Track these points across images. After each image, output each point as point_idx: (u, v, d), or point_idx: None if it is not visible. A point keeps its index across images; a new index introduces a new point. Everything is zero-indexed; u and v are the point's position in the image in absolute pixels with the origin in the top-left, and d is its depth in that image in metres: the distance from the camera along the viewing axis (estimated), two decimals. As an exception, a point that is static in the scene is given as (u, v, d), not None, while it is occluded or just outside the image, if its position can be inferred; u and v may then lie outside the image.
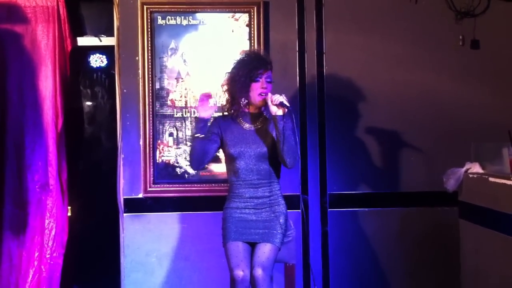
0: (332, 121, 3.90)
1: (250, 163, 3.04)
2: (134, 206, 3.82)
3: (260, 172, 3.05)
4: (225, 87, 3.13)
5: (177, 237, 3.84)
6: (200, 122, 3.01)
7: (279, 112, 2.94)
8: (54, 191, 3.86)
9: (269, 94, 2.98)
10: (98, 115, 4.27)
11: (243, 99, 3.04)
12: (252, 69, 3.01)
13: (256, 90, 3.02)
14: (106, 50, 4.16)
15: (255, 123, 3.09)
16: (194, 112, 3.86)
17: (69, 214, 3.96)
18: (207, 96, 3.03)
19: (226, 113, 3.15)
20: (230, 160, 3.08)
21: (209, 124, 3.07)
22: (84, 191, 4.19)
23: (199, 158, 3.05)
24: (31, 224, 3.86)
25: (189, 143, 3.83)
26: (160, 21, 3.84)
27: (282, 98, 2.93)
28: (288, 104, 2.92)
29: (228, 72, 3.12)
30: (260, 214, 3.05)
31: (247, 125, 3.10)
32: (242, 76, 3.01)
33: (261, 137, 3.05)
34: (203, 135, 3.01)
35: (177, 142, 3.86)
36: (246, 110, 3.10)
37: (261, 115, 3.12)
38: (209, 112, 3.01)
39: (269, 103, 2.95)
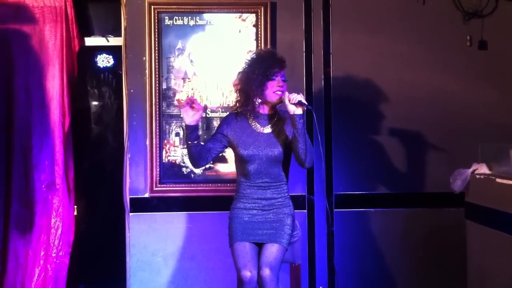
0: (338, 121, 3.89)
1: (261, 166, 3.01)
2: (140, 205, 3.83)
3: (270, 175, 3.02)
4: (238, 87, 3.07)
5: (183, 236, 3.84)
6: (187, 129, 2.93)
7: (298, 111, 2.88)
8: (61, 190, 3.87)
9: (286, 93, 2.93)
10: (105, 115, 4.28)
11: (257, 98, 3.00)
12: (268, 67, 2.96)
13: (272, 88, 2.97)
14: (113, 50, 4.17)
15: (268, 125, 3.04)
16: (200, 112, 3.86)
17: (75, 213, 3.97)
18: (191, 102, 2.91)
19: (240, 110, 3.06)
20: (241, 162, 3.05)
21: (198, 130, 2.98)
22: (90, 191, 4.20)
23: (196, 161, 3.03)
24: (37, 223, 3.87)
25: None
26: (167, 22, 3.85)
27: (300, 97, 2.88)
28: (306, 102, 2.88)
29: (240, 71, 3.06)
30: (268, 214, 3.03)
31: (260, 128, 3.04)
32: (259, 74, 2.95)
33: (274, 140, 3.01)
34: (195, 142, 2.94)
35: (183, 142, 3.86)
36: (260, 111, 3.05)
37: (274, 116, 3.07)
38: (194, 118, 2.90)
39: (287, 102, 2.90)
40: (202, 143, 3.03)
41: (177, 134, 3.86)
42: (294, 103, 2.88)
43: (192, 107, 2.91)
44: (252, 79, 2.97)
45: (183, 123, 2.95)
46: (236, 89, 3.10)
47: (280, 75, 2.99)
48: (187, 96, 2.93)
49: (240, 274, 2.89)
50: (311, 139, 2.95)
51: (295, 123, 2.89)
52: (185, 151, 3.85)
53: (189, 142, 2.95)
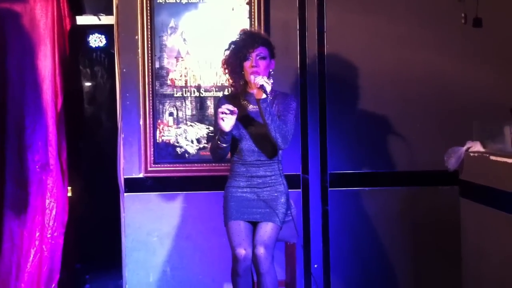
0: (333, 100, 3.88)
1: (252, 143, 3.05)
2: (135, 186, 3.82)
3: (262, 153, 3.05)
4: (222, 69, 3.14)
5: (178, 216, 3.85)
6: (225, 135, 2.94)
7: (259, 94, 2.91)
8: (55, 171, 3.85)
9: (252, 77, 2.95)
10: (98, 94, 4.26)
11: (241, 79, 3.04)
12: (241, 48, 3.00)
13: (249, 69, 3.00)
14: (105, 29, 4.13)
15: (258, 104, 3.06)
16: (194, 91, 3.84)
17: (70, 194, 3.96)
18: (233, 112, 2.90)
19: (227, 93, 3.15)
20: (233, 140, 3.07)
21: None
22: (84, 171, 4.20)
23: (224, 157, 3.11)
24: (32, 204, 3.86)
25: (189, 123, 3.83)
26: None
27: (262, 81, 2.89)
28: (268, 88, 2.88)
29: (224, 54, 3.11)
30: (262, 193, 3.06)
31: (250, 106, 3.09)
32: (232, 58, 3.01)
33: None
34: (227, 144, 3.00)
35: (177, 121, 3.84)
36: (249, 90, 3.08)
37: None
38: (233, 123, 2.91)
39: (253, 85, 2.94)
40: None
41: (171, 114, 3.84)
42: (257, 87, 2.90)
43: (233, 114, 2.90)
44: (229, 63, 3.03)
45: (218, 130, 2.96)
46: (223, 72, 3.15)
47: (255, 54, 2.99)
48: (222, 108, 2.90)
49: (234, 252, 2.91)
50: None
51: (258, 105, 2.92)
52: (179, 130, 3.84)
53: (225, 145, 2.99)
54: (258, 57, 3.00)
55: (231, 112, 2.89)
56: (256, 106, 3.04)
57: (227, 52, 3.07)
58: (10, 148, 3.84)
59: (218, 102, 3.15)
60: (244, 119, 3.06)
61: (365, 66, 3.88)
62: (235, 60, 3.01)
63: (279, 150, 3.06)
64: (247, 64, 3.00)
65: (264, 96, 2.89)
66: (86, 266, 4.27)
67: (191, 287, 3.85)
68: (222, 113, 2.88)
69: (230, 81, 3.13)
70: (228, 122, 2.90)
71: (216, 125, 3.01)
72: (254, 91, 2.95)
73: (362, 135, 3.89)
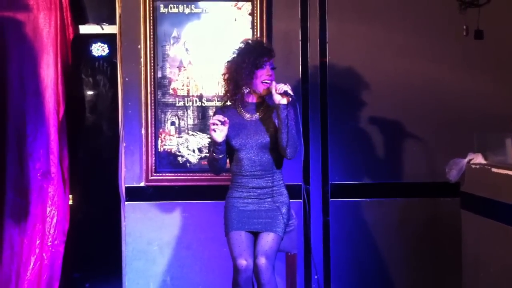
0: (334, 110, 3.89)
1: (252, 154, 3.04)
2: (136, 194, 3.82)
3: (262, 163, 3.05)
4: (227, 76, 3.10)
5: (179, 226, 3.84)
6: (219, 145, 2.99)
7: (283, 101, 2.94)
8: (56, 179, 3.85)
9: (273, 83, 2.98)
10: (100, 103, 4.26)
11: (245, 87, 3.03)
12: (257, 56, 3.01)
13: (261, 77, 3.02)
14: (108, 38, 4.14)
15: (257, 113, 3.09)
16: (196, 101, 3.85)
17: (70, 202, 3.96)
18: (224, 122, 2.95)
19: (227, 103, 3.14)
20: (233, 151, 3.08)
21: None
22: (85, 180, 4.19)
23: (223, 169, 3.13)
24: (32, 212, 3.86)
25: (191, 132, 3.83)
26: (162, 9, 3.82)
27: (286, 87, 2.93)
28: (292, 93, 2.93)
29: (229, 61, 3.10)
30: (263, 203, 3.05)
31: (248, 115, 3.09)
32: (248, 63, 3.00)
33: (263, 127, 3.05)
34: (222, 155, 3.04)
35: (179, 131, 3.85)
36: (248, 100, 3.10)
37: (262, 104, 3.11)
38: (224, 133, 2.96)
39: (273, 91, 2.95)
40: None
41: (173, 123, 3.85)
42: (280, 93, 2.93)
43: (224, 124, 2.95)
44: (242, 68, 3.01)
45: (211, 141, 3.05)
46: (224, 78, 3.13)
47: (269, 64, 3.04)
48: (213, 119, 2.98)
49: (236, 262, 2.91)
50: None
51: (279, 112, 2.94)
52: (181, 140, 3.84)
53: (220, 156, 3.03)
54: (270, 67, 3.05)
55: (222, 123, 2.94)
56: (253, 115, 3.07)
57: (239, 58, 3.04)
58: (11, 156, 3.84)
59: (213, 114, 3.17)
60: (243, 129, 3.05)
61: (366, 76, 3.90)
62: (251, 66, 3.00)
63: (288, 159, 3.05)
64: (261, 72, 3.01)
65: (284, 102, 2.92)
66: (86, 275, 4.25)
67: (191, 297, 3.85)
68: (213, 124, 2.93)
69: (235, 87, 3.05)
70: (219, 133, 2.95)
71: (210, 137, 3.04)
72: (277, 97, 2.94)
73: (363, 146, 3.90)
